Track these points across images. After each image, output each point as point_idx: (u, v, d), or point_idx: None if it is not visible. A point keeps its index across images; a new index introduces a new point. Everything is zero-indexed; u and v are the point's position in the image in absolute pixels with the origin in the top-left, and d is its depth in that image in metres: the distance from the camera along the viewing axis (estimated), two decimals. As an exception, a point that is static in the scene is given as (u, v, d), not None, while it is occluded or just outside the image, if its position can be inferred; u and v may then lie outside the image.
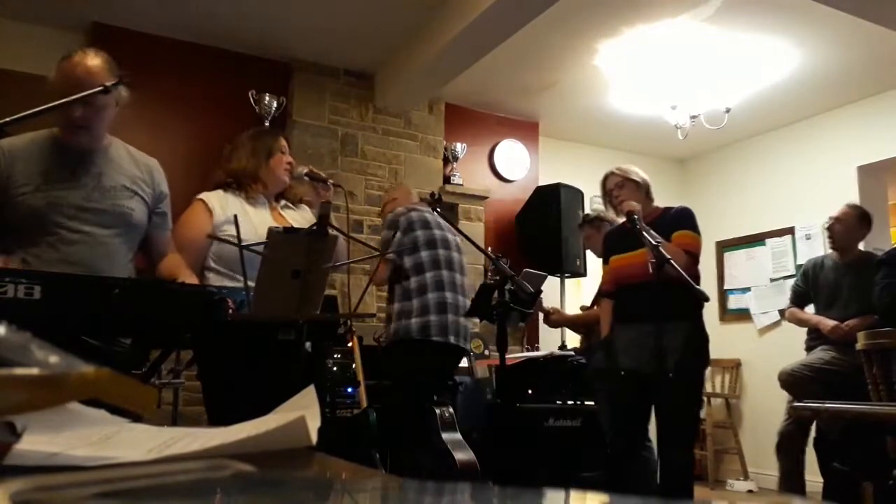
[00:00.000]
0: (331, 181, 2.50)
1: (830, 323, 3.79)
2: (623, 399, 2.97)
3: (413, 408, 3.40)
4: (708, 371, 5.80)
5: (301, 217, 2.49)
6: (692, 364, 2.84)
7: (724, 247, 6.17)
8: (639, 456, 3.07)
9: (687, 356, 2.79)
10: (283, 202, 2.50)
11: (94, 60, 1.97)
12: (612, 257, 3.09)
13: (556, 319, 4.06)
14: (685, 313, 2.84)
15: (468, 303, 3.28)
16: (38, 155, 1.98)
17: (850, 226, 3.93)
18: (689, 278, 2.58)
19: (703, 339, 2.90)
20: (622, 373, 2.91)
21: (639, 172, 3.11)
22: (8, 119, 1.69)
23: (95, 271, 1.93)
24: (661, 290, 2.69)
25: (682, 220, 2.96)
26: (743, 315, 5.91)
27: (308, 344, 1.84)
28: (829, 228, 3.99)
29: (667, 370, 2.74)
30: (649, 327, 2.81)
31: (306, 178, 2.47)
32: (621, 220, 3.10)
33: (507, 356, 2.68)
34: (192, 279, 2.04)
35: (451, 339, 3.35)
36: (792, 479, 3.86)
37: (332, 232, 1.74)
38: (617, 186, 3.06)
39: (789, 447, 3.88)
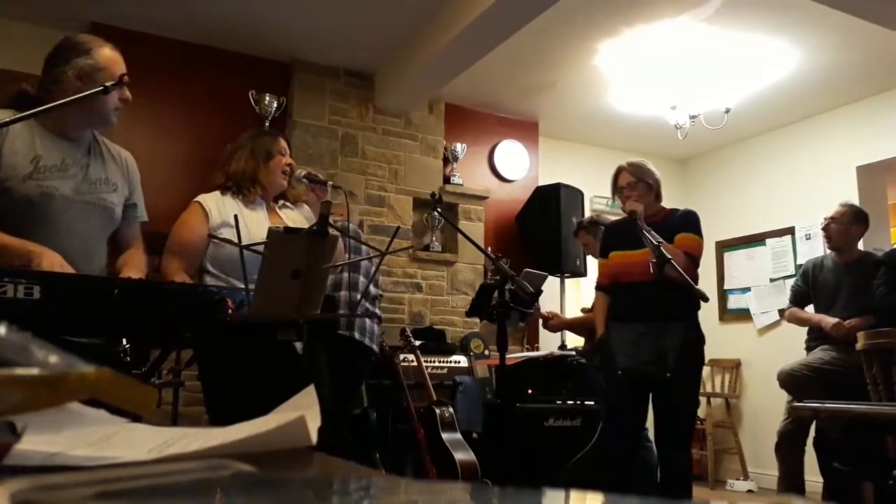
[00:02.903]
0: (330, 183, 2.50)
1: (832, 320, 3.78)
2: (620, 399, 2.97)
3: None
4: (708, 371, 5.86)
5: (300, 216, 2.48)
6: (689, 364, 2.85)
7: (724, 247, 6.17)
8: (637, 456, 3.07)
9: (684, 356, 2.80)
10: (281, 202, 2.50)
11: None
12: (612, 253, 3.08)
13: (556, 324, 4.03)
14: (683, 314, 2.86)
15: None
16: (27, 140, 1.94)
17: (846, 224, 3.92)
18: (688, 278, 2.59)
19: (700, 339, 2.92)
20: (619, 372, 2.91)
21: (652, 173, 3.09)
22: (7, 119, 1.69)
23: (82, 265, 1.90)
24: (659, 290, 2.70)
25: (687, 223, 2.98)
26: (743, 315, 5.91)
27: (298, 345, 1.83)
28: (825, 228, 3.98)
29: (665, 370, 2.75)
30: (647, 327, 2.82)
31: (305, 180, 2.47)
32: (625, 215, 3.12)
33: (507, 356, 2.68)
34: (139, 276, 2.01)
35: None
36: (791, 479, 3.86)
37: (332, 232, 1.74)
38: (629, 186, 3.05)
39: (789, 447, 3.88)
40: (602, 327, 3.10)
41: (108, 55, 1.97)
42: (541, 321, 4.09)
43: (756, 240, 5.90)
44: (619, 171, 3.12)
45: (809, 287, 4.06)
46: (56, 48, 1.99)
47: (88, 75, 1.90)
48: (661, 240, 2.68)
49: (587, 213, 5.49)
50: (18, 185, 1.88)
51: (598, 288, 3.20)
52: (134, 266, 2.08)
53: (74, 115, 1.97)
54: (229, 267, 2.21)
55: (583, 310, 4.20)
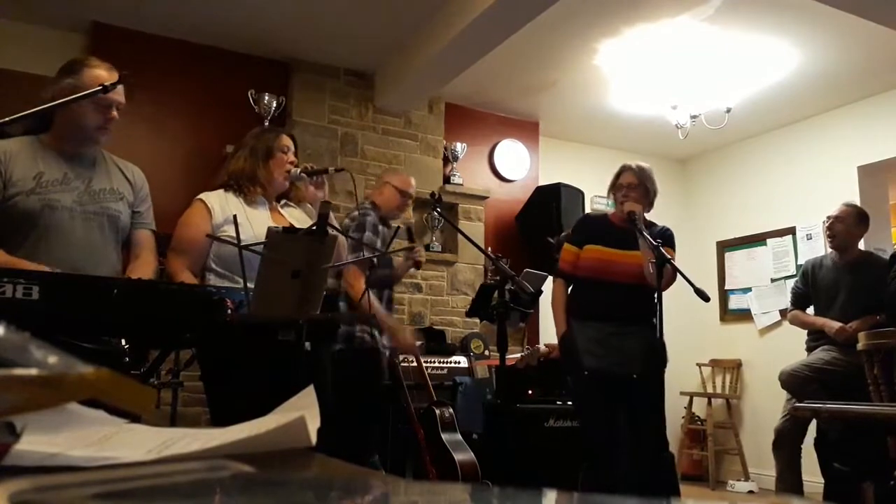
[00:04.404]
0: (332, 168, 2.50)
1: (836, 325, 3.77)
2: (594, 400, 2.94)
3: None
4: (708, 371, 5.86)
5: (302, 215, 2.47)
6: (655, 364, 2.86)
7: (724, 247, 6.17)
8: (617, 455, 3.04)
9: (651, 357, 2.82)
10: (283, 201, 2.49)
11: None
12: (589, 246, 3.04)
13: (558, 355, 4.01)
14: (647, 317, 2.91)
15: None
16: (31, 158, 2.02)
17: (851, 224, 3.92)
18: (688, 279, 2.60)
19: (662, 341, 2.93)
20: (585, 372, 2.88)
21: (654, 181, 3.10)
22: (7, 119, 1.70)
23: (90, 273, 1.94)
24: (632, 291, 2.74)
25: (664, 238, 3.00)
26: (744, 315, 5.91)
27: (307, 344, 1.83)
28: (830, 227, 3.97)
29: (631, 371, 2.77)
30: (613, 327, 2.84)
31: (304, 175, 2.45)
32: (612, 212, 3.15)
33: (507, 356, 2.67)
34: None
35: None
36: (788, 477, 3.86)
37: (331, 232, 1.74)
38: (629, 186, 3.05)
39: (786, 445, 3.88)
40: (562, 322, 3.03)
41: (93, 75, 1.98)
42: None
43: (757, 240, 5.90)
44: (624, 169, 3.11)
45: (809, 287, 4.06)
46: (59, 69, 2.05)
47: (67, 94, 1.91)
48: (658, 241, 2.69)
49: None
50: (23, 201, 1.96)
51: (561, 274, 3.11)
52: (139, 272, 2.10)
53: (66, 133, 2.05)
54: (233, 264, 2.21)
55: None
